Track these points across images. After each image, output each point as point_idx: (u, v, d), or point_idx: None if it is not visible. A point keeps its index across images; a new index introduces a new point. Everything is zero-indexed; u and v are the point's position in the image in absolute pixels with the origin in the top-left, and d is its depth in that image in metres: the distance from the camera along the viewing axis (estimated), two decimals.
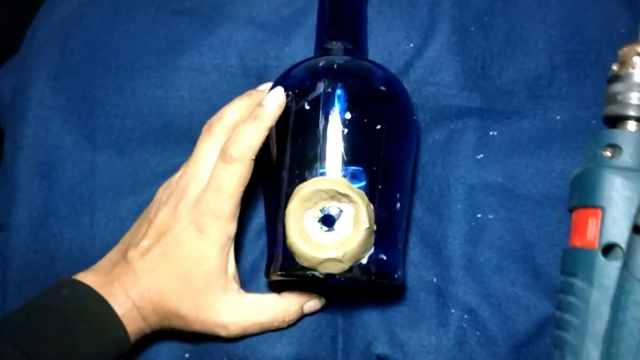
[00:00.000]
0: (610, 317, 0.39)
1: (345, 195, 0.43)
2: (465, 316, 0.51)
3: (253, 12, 0.57)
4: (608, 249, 0.40)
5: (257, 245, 0.54)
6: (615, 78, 0.44)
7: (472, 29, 0.55)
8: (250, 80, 0.55)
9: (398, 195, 0.47)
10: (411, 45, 0.55)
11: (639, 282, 0.39)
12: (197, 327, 0.48)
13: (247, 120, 0.47)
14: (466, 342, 0.51)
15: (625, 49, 0.43)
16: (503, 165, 0.54)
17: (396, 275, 0.46)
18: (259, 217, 0.54)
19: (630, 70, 0.43)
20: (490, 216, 0.53)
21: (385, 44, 0.55)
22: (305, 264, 0.43)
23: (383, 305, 0.53)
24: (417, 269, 0.53)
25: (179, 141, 0.56)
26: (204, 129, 0.50)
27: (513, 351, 0.51)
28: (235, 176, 0.46)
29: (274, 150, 0.47)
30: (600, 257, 0.40)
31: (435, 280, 0.52)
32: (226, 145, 0.46)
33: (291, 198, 0.44)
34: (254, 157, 0.46)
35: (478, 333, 0.51)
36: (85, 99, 0.58)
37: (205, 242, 0.46)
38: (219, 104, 0.55)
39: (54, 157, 0.57)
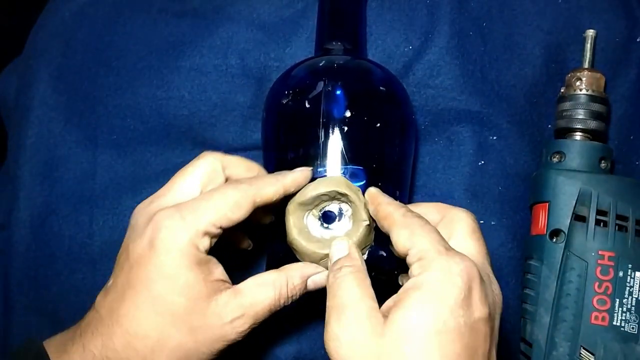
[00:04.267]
0: (557, 288, 0.48)
1: (344, 195, 0.44)
2: None
3: (254, 14, 0.57)
4: (554, 234, 0.49)
5: (258, 245, 0.54)
6: (563, 98, 0.52)
7: (470, 33, 0.55)
8: (250, 81, 0.56)
9: (397, 193, 0.47)
10: (410, 47, 0.55)
11: (580, 259, 0.47)
12: (204, 348, 0.41)
13: (271, 175, 0.44)
14: None
15: (569, 75, 0.52)
16: (504, 171, 0.54)
17: (396, 272, 0.46)
18: None
19: (573, 92, 0.51)
20: (493, 222, 0.54)
21: (385, 47, 0.55)
22: (307, 260, 0.44)
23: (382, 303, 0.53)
24: None
25: (179, 141, 0.57)
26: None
27: (512, 353, 0.51)
28: (235, 198, 0.41)
29: (276, 149, 0.48)
30: (548, 240, 0.49)
31: None
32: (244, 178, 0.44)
33: (292, 200, 0.44)
34: (257, 205, 0.42)
35: None
36: (87, 99, 0.58)
37: (170, 254, 0.40)
38: (219, 104, 0.56)
39: (55, 156, 0.58)
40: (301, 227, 0.44)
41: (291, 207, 0.44)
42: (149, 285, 0.40)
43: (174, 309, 0.40)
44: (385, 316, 0.36)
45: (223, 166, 0.44)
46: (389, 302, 0.38)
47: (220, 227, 0.41)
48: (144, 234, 0.40)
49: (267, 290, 0.42)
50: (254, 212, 0.42)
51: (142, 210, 0.42)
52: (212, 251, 0.42)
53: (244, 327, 0.41)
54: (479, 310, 0.37)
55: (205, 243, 0.41)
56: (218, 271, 0.42)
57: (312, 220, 0.45)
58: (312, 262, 0.44)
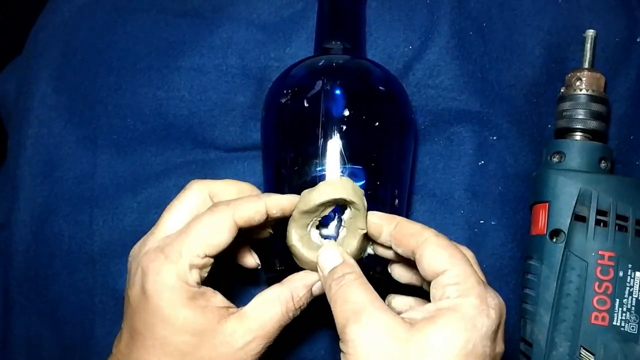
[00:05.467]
0: (557, 288, 0.47)
1: (351, 203, 0.42)
2: None
3: (254, 14, 0.57)
4: (554, 234, 0.49)
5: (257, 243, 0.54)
6: (563, 98, 0.52)
7: (470, 33, 0.55)
8: (250, 81, 0.56)
9: (397, 191, 0.47)
10: (410, 47, 0.55)
11: (580, 259, 0.47)
12: None
13: (252, 196, 0.43)
14: None
15: (569, 75, 0.52)
16: (504, 171, 0.54)
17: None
18: None
19: (573, 92, 0.51)
20: (493, 222, 0.53)
21: (385, 46, 0.55)
22: (305, 267, 0.43)
23: None
24: None
25: (179, 141, 0.57)
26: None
27: (512, 354, 0.51)
28: (213, 223, 0.40)
29: (275, 148, 0.48)
30: (548, 240, 0.48)
31: None
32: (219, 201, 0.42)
33: (296, 207, 0.43)
34: (239, 226, 0.41)
35: None
36: (87, 99, 0.58)
37: (162, 296, 0.39)
38: (218, 104, 0.56)
39: (55, 156, 0.58)
40: (302, 234, 0.43)
41: (296, 214, 0.43)
42: (152, 329, 0.40)
43: (182, 347, 0.40)
44: (411, 325, 0.37)
45: (211, 194, 0.44)
46: (415, 314, 0.38)
47: (206, 256, 0.40)
48: (136, 281, 0.40)
49: (273, 307, 0.41)
50: (251, 228, 0.42)
51: (136, 255, 0.42)
52: (212, 277, 0.42)
53: (258, 348, 0.41)
54: (500, 346, 0.38)
55: (195, 276, 0.40)
56: (217, 299, 0.41)
57: (314, 228, 0.44)
58: (310, 269, 0.43)
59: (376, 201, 0.45)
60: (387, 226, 0.42)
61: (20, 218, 0.57)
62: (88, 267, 0.56)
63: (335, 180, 0.43)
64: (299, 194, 0.43)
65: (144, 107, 0.57)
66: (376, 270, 0.45)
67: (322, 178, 0.45)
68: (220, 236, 0.40)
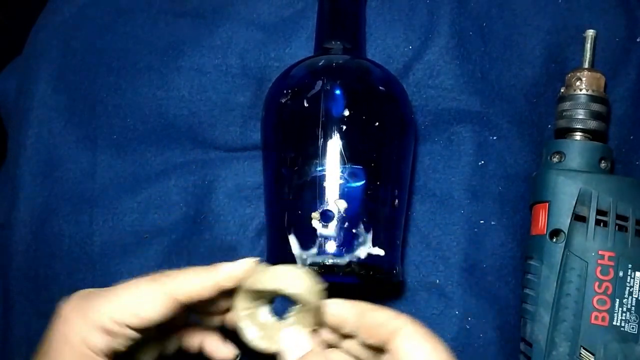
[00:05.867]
0: (557, 288, 0.47)
1: (303, 301, 0.39)
2: (469, 318, 0.51)
3: (254, 14, 0.58)
4: (554, 234, 0.48)
5: (257, 245, 0.54)
6: (563, 98, 0.52)
7: (470, 33, 0.55)
8: (250, 81, 0.56)
9: (396, 192, 0.47)
10: (410, 47, 0.55)
11: (580, 259, 0.47)
12: None
13: (202, 268, 0.39)
14: (469, 344, 0.51)
15: (569, 75, 0.52)
16: (504, 171, 0.54)
17: (394, 271, 0.46)
18: (259, 217, 0.55)
19: (573, 92, 0.51)
20: (493, 222, 0.53)
21: (385, 46, 0.55)
22: (243, 339, 0.41)
23: (383, 305, 0.53)
24: (418, 269, 0.53)
25: (179, 141, 0.57)
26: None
27: (512, 353, 0.51)
28: (146, 293, 0.36)
29: (275, 148, 0.48)
30: (548, 240, 0.48)
31: (438, 281, 0.52)
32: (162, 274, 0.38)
33: (245, 282, 0.39)
34: (180, 303, 0.37)
35: (481, 335, 0.51)
36: (87, 99, 0.58)
37: (60, 351, 0.35)
38: (218, 104, 0.56)
39: (55, 156, 0.58)
40: (248, 306, 0.40)
41: (242, 291, 0.39)
42: None
43: None
44: None
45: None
46: None
47: (128, 327, 0.36)
48: (53, 319, 0.37)
49: None
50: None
51: (74, 295, 0.39)
52: None
53: None
54: None
55: (100, 342, 0.35)
56: None
57: (264, 304, 0.41)
58: (246, 342, 0.41)
59: (376, 201, 0.45)
60: (351, 316, 0.39)
61: (20, 218, 0.57)
62: (88, 267, 0.56)
63: (292, 269, 0.39)
64: (299, 194, 0.43)
65: (144, 107, 0.57)
66: (379, 271, 0.45)
67: (322, 178, 0.45)
68: (152, 310, 0.36)
